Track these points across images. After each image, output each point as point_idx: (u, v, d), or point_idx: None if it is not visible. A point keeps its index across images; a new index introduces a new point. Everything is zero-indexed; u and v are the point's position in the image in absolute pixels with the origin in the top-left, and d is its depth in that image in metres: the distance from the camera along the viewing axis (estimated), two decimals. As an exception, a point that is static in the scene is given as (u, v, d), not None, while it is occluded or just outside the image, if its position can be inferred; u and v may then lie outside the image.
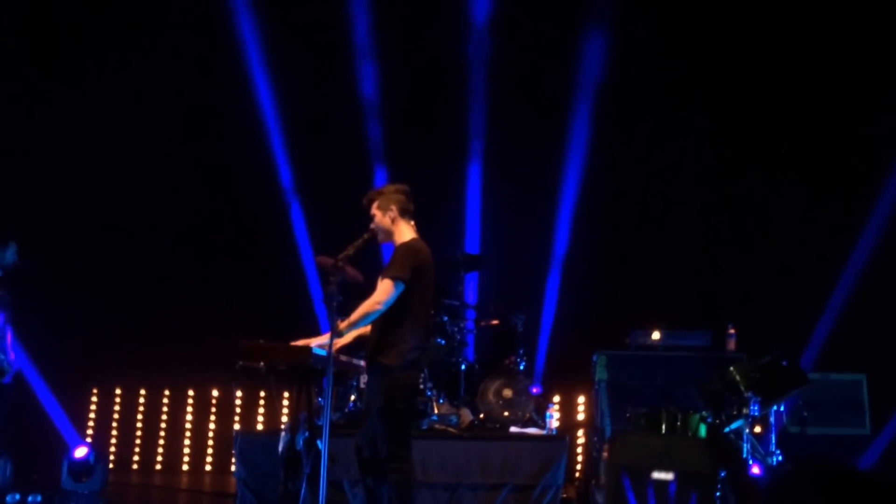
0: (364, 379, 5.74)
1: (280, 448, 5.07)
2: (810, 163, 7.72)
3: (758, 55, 7.85)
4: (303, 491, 4.73)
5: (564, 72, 8.03)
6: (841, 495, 1.91)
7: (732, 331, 6.82)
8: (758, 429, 6.20)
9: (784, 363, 5.58)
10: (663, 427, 5.37)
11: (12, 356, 6.36)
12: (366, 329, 4.63)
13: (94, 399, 8.83)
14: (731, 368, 5.60)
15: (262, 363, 4.59)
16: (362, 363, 4.78)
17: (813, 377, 6.34)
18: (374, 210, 4.68)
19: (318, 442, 4.57)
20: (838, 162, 7.66)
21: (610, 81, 7.94)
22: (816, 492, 1.90)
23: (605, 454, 4.73)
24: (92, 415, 8.78)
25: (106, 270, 8.40)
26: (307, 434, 4.84)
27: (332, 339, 4.36)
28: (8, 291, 6.41)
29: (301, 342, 4.65)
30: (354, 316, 4.46)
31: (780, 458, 5.65)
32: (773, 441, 5.71)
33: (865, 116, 7.59)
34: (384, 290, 4.43)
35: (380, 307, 4.43)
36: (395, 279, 4.44)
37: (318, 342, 4.61)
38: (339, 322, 4.43)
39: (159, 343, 8.21)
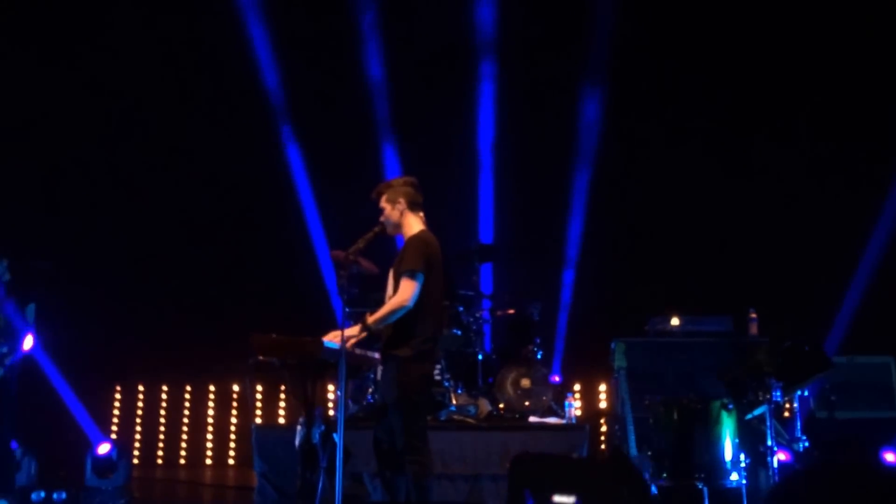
0: (381, 371, 5.72)
1: (297, 442, 5.06)
2: (830, 142, 7.57)
3: (774, 24, 7.69)
4: (320, 483, 4.71)
5: (577, 56, 7.92)
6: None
7: (754, 315, 6.71)
8: (786, 413, 6.09)
9: (807, 347, 5.47)
10: (680, 416, 5.30)
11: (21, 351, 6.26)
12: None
13: (118, 396, 8.92)
14: (753, 353, 5.50)
15: (274, 357, 4.58)
16: (377, 356, 4.75)
17: (839, 361, 6.22)
18: (383, 203, 4.71)
19: (335, 435, 4.55)
20: (859, 140, 7.50)
21: (623, 66, 7.82)
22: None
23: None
24: (116, 412, 8.87)
25: (126, 268, 8.46)
26: (323, 427, 4.82)
27: (361, 331, 4.46)
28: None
29: (329, 336, 4.60)
30: (382, 312, 4.51)
31: (806, 444, 5.54)
32: (799, 427, 5.60)
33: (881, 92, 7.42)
34: (407, 288, 4.47)
35: (408, 303, 4.47)
36: (413, 273, 4.48)
37: (349, 333, 4.55)
38: (367, 315, 4.50)
39: (180, 340, 8.28)
